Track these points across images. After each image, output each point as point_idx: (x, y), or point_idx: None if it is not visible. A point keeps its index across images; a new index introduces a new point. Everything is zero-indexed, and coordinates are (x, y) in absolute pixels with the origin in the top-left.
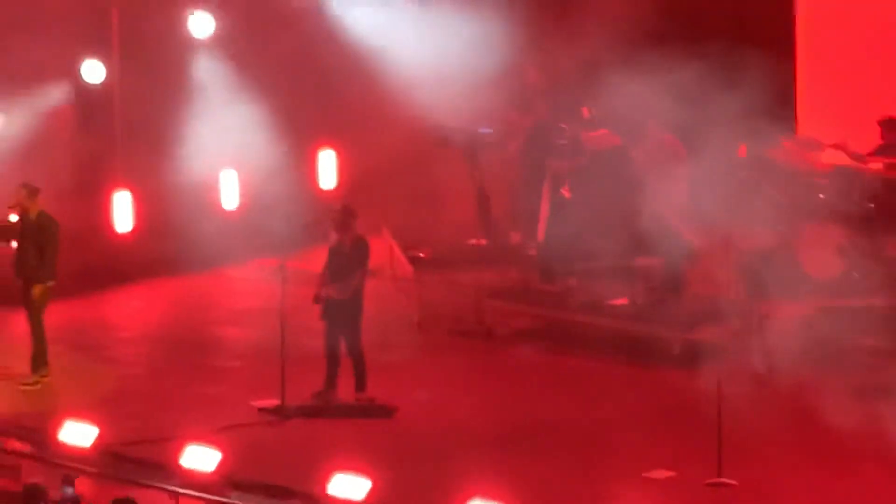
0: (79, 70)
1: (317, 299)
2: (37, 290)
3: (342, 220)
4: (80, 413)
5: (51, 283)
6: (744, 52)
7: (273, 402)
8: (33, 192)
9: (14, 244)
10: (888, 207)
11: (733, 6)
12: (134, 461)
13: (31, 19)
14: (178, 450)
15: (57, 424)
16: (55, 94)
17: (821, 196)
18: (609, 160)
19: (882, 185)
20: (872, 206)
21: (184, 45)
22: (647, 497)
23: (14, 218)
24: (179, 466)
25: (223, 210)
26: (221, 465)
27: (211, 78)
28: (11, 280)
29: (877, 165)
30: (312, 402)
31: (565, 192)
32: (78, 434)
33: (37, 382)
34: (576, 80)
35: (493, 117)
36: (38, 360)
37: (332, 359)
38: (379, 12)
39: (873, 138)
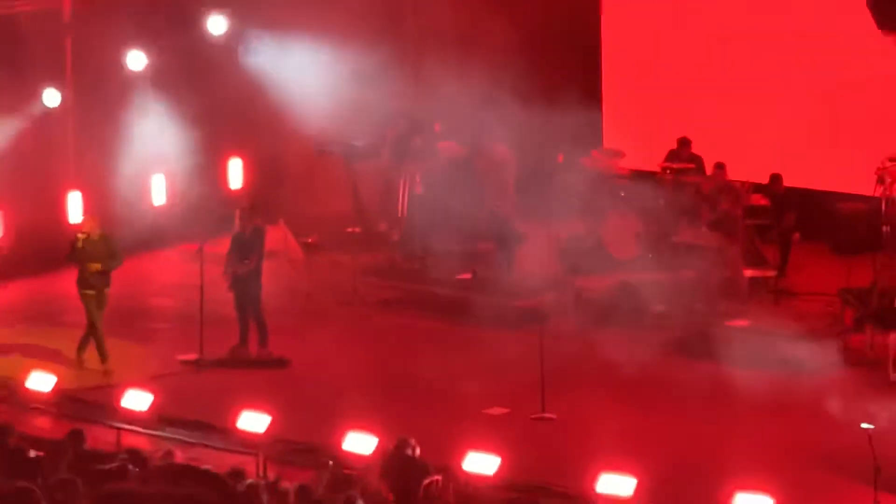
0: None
1: (226, 277)
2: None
3: (247, 213)
4: (42, 365)
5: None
6: (561, 82)
7: (193, 356)
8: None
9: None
10: (673, 203)
11: (550, 49)
12: (85, 403)
13: (3, 55)
14: (119, 394)
15: (24, 374)
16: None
17: (622, 194)
18: (455, 166)
19: (668, 185)
20: (662, 201)
21: (123, 77)
22: (486, 429)
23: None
24: (120, 406)
25: (154, 205)
26: (153, 405)
27: (145, 102)
28: None
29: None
30: (227, 355)
31: (417, 189)
32: (41, 381)
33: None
34: (429, 101)
35: (363, 132)
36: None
37: (242, 321)
38: (278, 51)
39: (664, 148)
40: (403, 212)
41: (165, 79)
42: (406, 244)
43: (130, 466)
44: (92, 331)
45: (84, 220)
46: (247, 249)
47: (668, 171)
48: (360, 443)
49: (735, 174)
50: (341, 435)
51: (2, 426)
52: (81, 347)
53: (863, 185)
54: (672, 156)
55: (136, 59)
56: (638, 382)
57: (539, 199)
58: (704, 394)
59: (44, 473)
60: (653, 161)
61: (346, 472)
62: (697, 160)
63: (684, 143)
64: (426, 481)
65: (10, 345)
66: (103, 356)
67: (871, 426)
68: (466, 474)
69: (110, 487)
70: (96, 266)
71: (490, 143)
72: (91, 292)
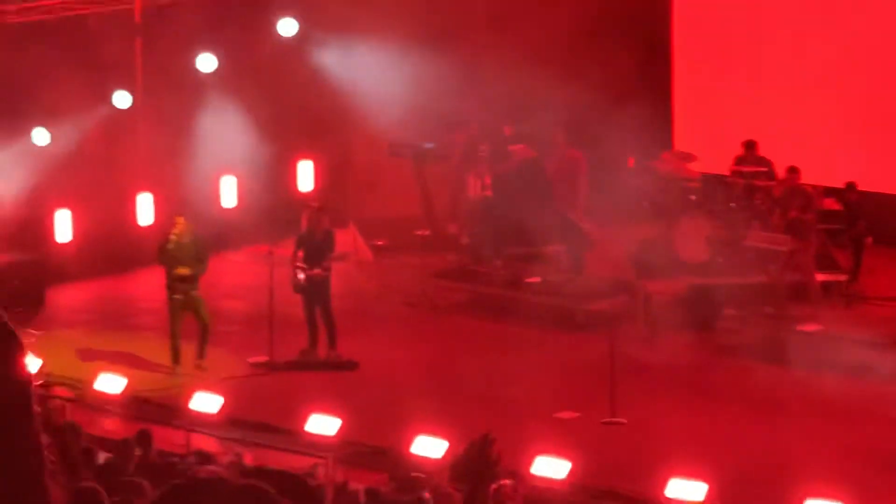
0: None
1: (295, 286)
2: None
3: (316, 215)
4: (114, 367)
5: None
6: (632, 84)
7: (263, 358)
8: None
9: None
10: (745, 206)
11: (619, 48)
12: (155, 405)
13: (74, 57)
14: (189, 395)
15: (93, 375)
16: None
17: (692, 197)
18: (526, 169)
19: (739, 188)
20: (733, 205)
21: (193, 79)
22: (556, 432)
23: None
24: (189, 409)
25: (224, 207)
26: (223, 407)
27: (215, 104)
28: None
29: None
30: (296, 358)
31: (488, 192)
32: (111, 383)
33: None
34: (500, 104)
35: (433, 134)
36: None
37: (311, 324)
38: (347, 53)
39: (732, 151)
40: (473, 215)
41: (235, 81)
42: (476, 247)
43: (199, 468)
44: (172, 332)
45: (176, 223)
46: (317, 252)
47: (740, 175)
48: (429, 446)
49: (808, 177)
50: (411, 438)
51: (71, 426)
52: (199, 354)
53: None
54: (740, 161)
55: (206, 62)
56: (708, 386)
57: (609, 201)
58: (775, 398)
59: (111, 474)
60: (724, 164)
61: (414, 475)
62: (766, 163)
63: (750, 145)
64: (495, 485)
65: (86, 349)
66: (175, 359)
67: None
68: (536, 478)
69: (179, 480)
70: (184, 270)
71: (561, 146)
72: (178, 297)
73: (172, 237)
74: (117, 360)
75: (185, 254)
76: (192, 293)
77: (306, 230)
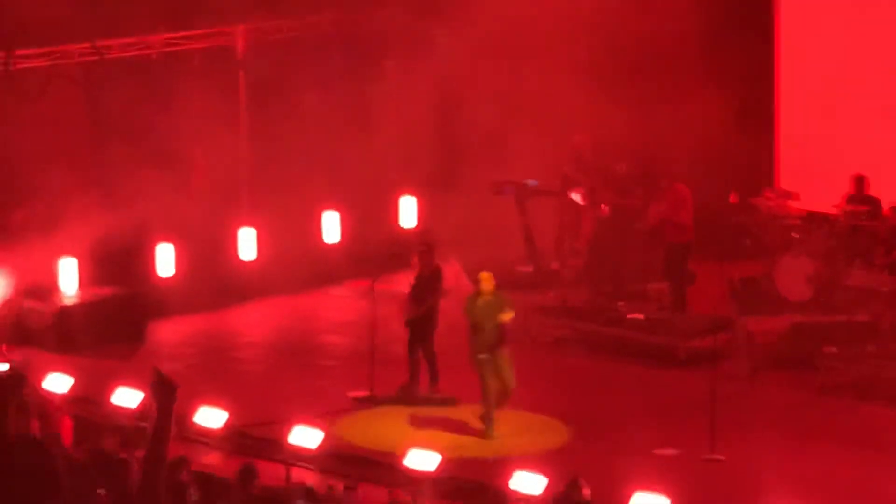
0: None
1: (407, 321)
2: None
3: (425, 252)
4: (214, 401)
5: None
6: (736, 120)
7: (364, 392)
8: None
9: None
10: (847, 245)
11: (724, 85)
12: (255, 439)
13: (176, 92)
14: (288, 430)
15: (193, 409)
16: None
17: (794, 235)
18: (632, 209)
19: (842, 227)
20: (835, 243)
21: (296, 113)
22: (657, 469)
23: None
24: (289, 443)
25: (326, 242)
26: (323, 442)
27: (317, 139)
28: None
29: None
30: (397, 393)
31: (593, 228)
32: (211, 417)
33: None
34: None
35: (542, 171)
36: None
37: (414, 360)
38: (449, 88)
39: (839, 189)
40: (582, 249)
41: (338, 116)
42: (579, 283)
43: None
44: (491, 396)
45: (482, 280)
46: (423, 290)
47: (843, 214)
48: (528, 482)
49: None
50: (510, 474)
51: (177, 460)
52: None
53: None
54: (850, 200)
55: (310, 97)
56: (809, 425)
57: (711, 238)
58: (876, 437)
59: None
60: (827, 202)
61: None
62: (874, 202)
63: (860, 181)
64: None
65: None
66: (489, 429)
67: None
68: None
69: None
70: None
71: (669, 182)
72: (484, 356)
73: (481, 295)
74: (219, 393)
75: (492, 312)
76: (499, 350)
77: (419, 270)
